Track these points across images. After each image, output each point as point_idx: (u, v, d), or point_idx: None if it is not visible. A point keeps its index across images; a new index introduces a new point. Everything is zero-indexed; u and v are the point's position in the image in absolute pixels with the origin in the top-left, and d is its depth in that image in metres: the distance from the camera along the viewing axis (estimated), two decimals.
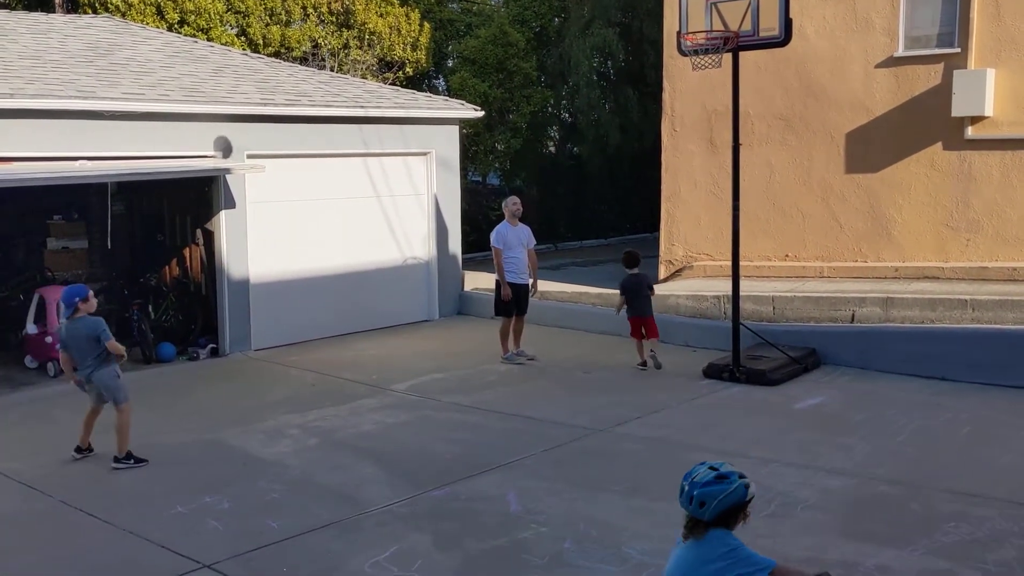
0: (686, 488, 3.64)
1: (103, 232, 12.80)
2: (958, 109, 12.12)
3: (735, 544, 3.59)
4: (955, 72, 12.17)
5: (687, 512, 3.64)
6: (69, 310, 7.70)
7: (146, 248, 13.16)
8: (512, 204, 11.31)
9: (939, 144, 12.52)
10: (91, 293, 7.86)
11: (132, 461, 7.68)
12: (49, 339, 10.70)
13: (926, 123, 12.52)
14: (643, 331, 10.68)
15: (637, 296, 10.69)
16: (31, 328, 11.00)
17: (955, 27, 12.32)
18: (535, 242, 11.50)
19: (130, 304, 11.93)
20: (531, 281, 11.35)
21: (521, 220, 11.31)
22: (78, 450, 7.94)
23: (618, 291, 10.94)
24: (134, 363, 11.42)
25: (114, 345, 7.72)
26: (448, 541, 6.19)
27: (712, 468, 3.68)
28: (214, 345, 11.86)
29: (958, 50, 12.28)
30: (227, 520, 6.57)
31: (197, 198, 12.06)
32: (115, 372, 7.84)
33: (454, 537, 6.26)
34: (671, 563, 3.76)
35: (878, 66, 12.86)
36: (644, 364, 10.68)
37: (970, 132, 12.30)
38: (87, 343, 7.67)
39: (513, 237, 11.13)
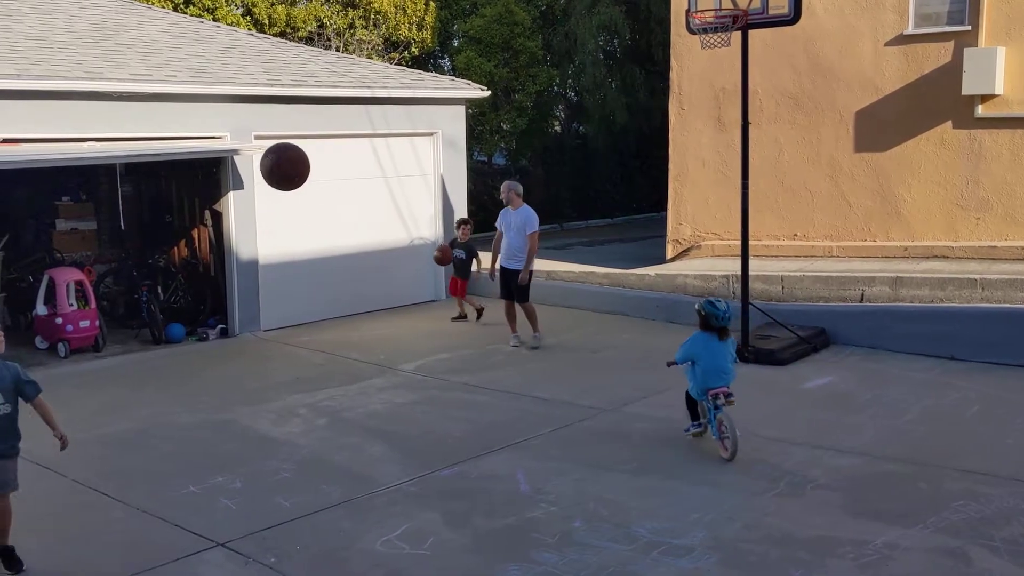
0: (723, 312, 7.22)
1: (112, 213, 12.82)
2: (968, 87, 12.06)
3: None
4: (965, 50, 12.09)
5: (721, 325, 7.22)
6: None
7: (155, 229, 13.17)
8: (501, 190, 11.24)
9: (949, 123, 12.46)
10: None
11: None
12: (59, 320, 10.75)
13: (936, 101, 12.46)
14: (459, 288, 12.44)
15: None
16: (41, 309, 11.03)
17: (965, 4, 12.23)
18: (532, 228, 10.69)
19: (139, 285, 11.96)
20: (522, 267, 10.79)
21: (526, 201, 11.16)
22: None
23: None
24: (144, 344, 11.50)
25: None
26: (458, 520, 6.23)
27: (718, 300, 7.42)
28: (223, 326, 11.90)
29: (969, 28, 12.19)
30: (239, 499, 6.62)
31: (205, 179, 12.06)
32: None
33: (464, 516, 6.30)
34: (716, 354, 7.23)
35: (888, 44, 12.78)
36: (464, 317, 12.48)
37: (980, 110, 12.23)
38: None
39: (503, 221, 11.03)
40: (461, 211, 14.41)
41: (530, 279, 10.99)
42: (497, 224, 11.13)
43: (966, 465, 6.97)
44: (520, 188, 11.14)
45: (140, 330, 11.76)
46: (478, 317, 12.41)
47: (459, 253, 12.47)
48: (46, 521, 6.37)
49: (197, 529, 6.11)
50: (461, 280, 12.57)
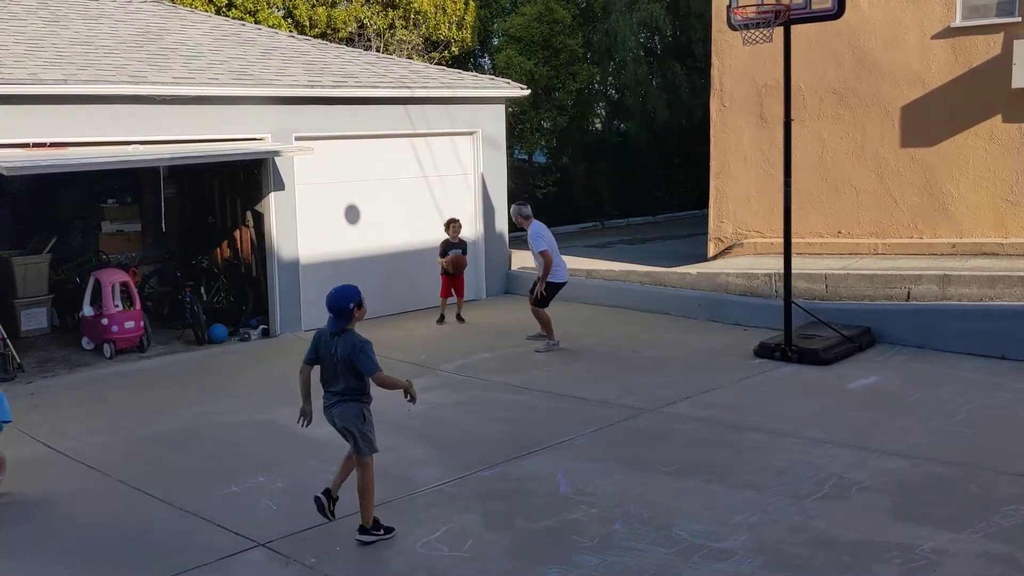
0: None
1: (156, 215, 13.00)
2: (1019, 80, 11.76)
3: None
4: (1015, 42, 11.80)
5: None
6: (342, 321, 6.04)
7: (197, 230, 13.34)
8: None
9: (998, 116, 12.17)
10: (362, 299, 6.05)
11: (382, 532, 5.96)
12: (105, 321, 10.91)
13: (984, 95, 12.19)
14: (452, 290, 12.51)
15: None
16: (87, 310, 11.21)
17: None
18: (534, 247, 10.90)
19: (183, 286, 12.11)
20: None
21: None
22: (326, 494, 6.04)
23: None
24: (187, 344, 11.63)
25: (385, 379, 5.97)
26: (498, 521, 6.22)
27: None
28: (265, 326, 12.00)
29: (1019, 19, 11.90)
30: (280, 499, 6.67)
31: (247, 180, 12.18)
32: (361, 413, 6.13)
33: (504, 517, 6.28)
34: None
35: (934, 37, 12.53)
36: (444, 319, 12.52)
37: None
38: (344, 364, 5.99)
39: None
40: (501, 210, 14.42)
41: (548, 291, 10.79)
42: None
43: (1018, 468, 6.80)
44: (525, 210, 11.13)
45: (183, 331, 11.90)
46: (457, 319, 12.51)
47: (456, 252, 12.42)
48: (91, 520, 6.45)
49: (239, 529, 6.15)
50: (452, 278, 12.46)
